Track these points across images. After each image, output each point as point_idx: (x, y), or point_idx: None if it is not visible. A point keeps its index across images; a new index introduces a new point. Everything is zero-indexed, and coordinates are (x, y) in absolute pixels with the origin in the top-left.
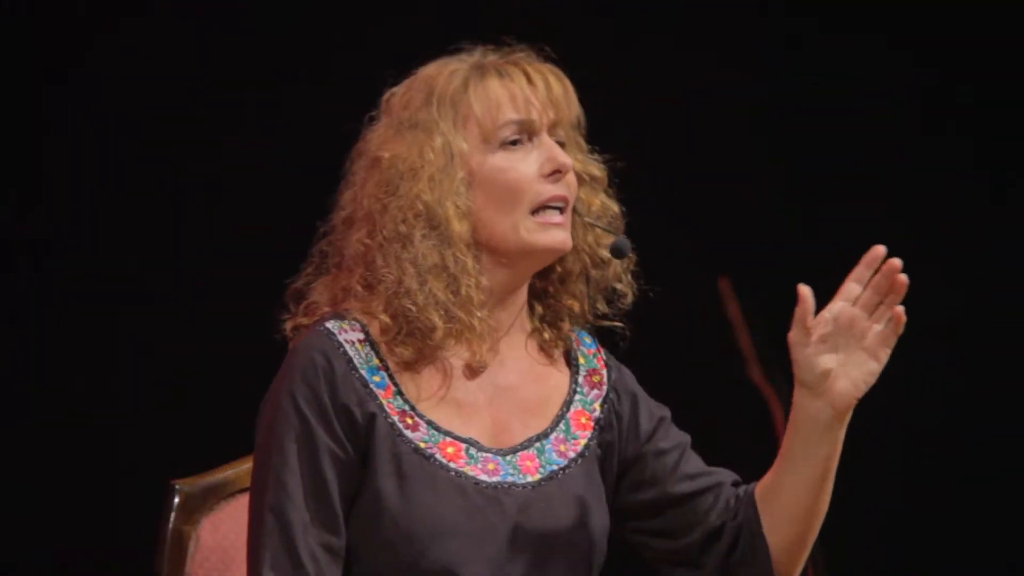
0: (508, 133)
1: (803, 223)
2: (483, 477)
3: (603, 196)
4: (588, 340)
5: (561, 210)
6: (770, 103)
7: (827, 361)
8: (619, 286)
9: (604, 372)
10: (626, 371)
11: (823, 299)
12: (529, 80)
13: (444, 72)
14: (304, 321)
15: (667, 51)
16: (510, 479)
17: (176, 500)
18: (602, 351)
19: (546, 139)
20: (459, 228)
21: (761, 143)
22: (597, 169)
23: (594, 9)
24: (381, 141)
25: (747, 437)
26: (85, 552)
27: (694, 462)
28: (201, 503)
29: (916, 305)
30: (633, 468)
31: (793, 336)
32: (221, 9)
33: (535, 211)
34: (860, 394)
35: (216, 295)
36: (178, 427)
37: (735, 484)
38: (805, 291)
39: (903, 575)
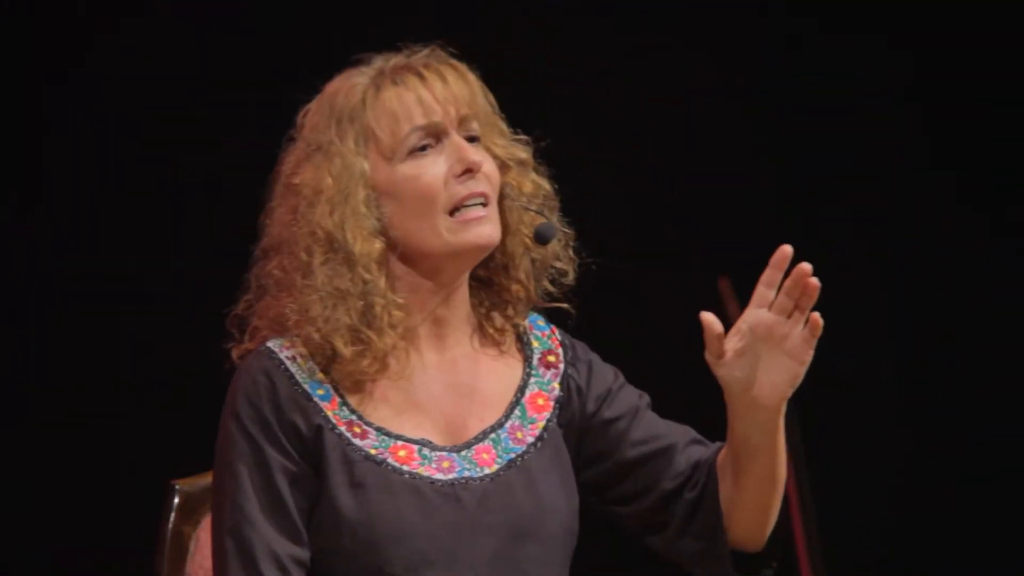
0: (413, 141)
1: (803, 223)
2: (438, 476)
3: (534, 176)
4: (541, 323)
5: (483, 204)
6: (770, 103)
7: (748, 371)
8: (559, 264)
9: (560, 351)
10: (580, 344)
11: (823, 299)
12: (427, 82)
13: (343, 89)
14: (249, 346)
15: (666, 52)
16: (466, 474)
17: (176, 500)
18: (556, 331)
19: (455, 138)
20: (363, 249)
21: (761, 143)
22: (522, 151)
23: (594, 9)
24: (293, 165)
25: None
26: (85, 552)
27: (645, 425)
28: (201, 503)
29: (917, 304)
30: (587, 440)
31: (708, 357)
32: (221, 9)
33: (453, 211)
34: (787, 395)
35: (216, 295)
36: (178, 427)
37: (696, 442)
38: (708, 318)
39: (903, 575)
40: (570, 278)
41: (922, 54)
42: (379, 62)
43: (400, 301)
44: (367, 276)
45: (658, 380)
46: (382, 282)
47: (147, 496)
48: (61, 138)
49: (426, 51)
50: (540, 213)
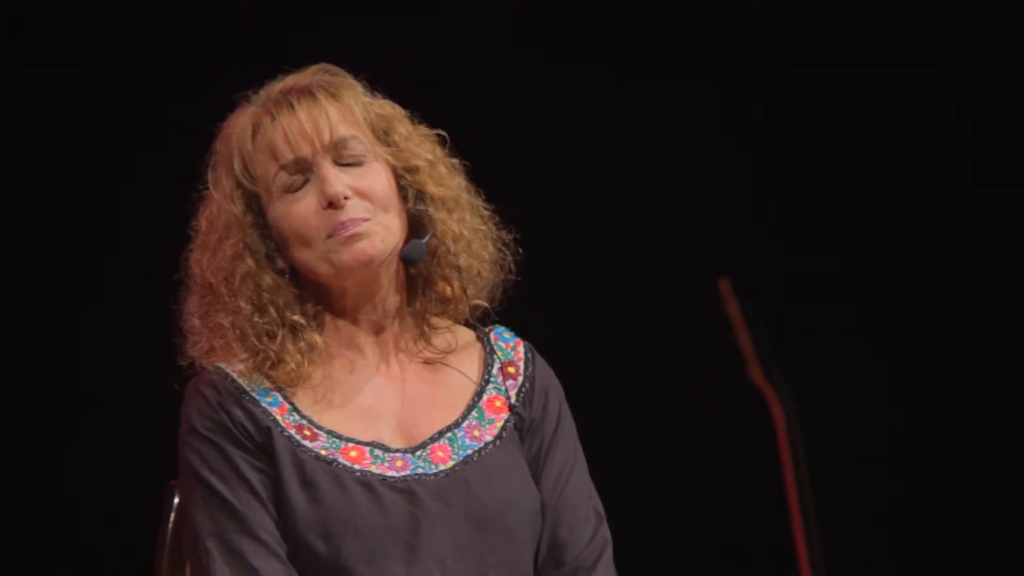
0: (283, 180)
1: (803, 223)
2: (391, 473)
3: (440, 173)
4: (507, 335)
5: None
6: (770, 103)
7: None
8: (462, 261)
9: (521, 364)
10: (547, 373)
11: (819, 300)
12: (292, 114)
13: (225, 134)
14: (202, 365)
15: (666, 52)
16: (420, 471)
17: (176, 500)
18: (522, 345)
19: (322, 169)
20: (238, 287)
21: (761, 144)
22: (425, 152)
23: (595, 10)
24: (200, 207)
25: (747, 437)
26: (85, 552)
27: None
28: None
29: (916, 304)
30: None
31: None
32: (222, 9)
33: (330, 236)
34: None
35: None
36: (178, 427)
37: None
38: None
39: (903, 575)
40: (486, 275)
41: (918, 57)
42: (262, 95)
43: (298, 319)
44: (245, 307)
45: (658, 380)
46: (271, 308)
47: (147, 496)
48: (60, 132)
49: (309, 71)
50: (430, 220)
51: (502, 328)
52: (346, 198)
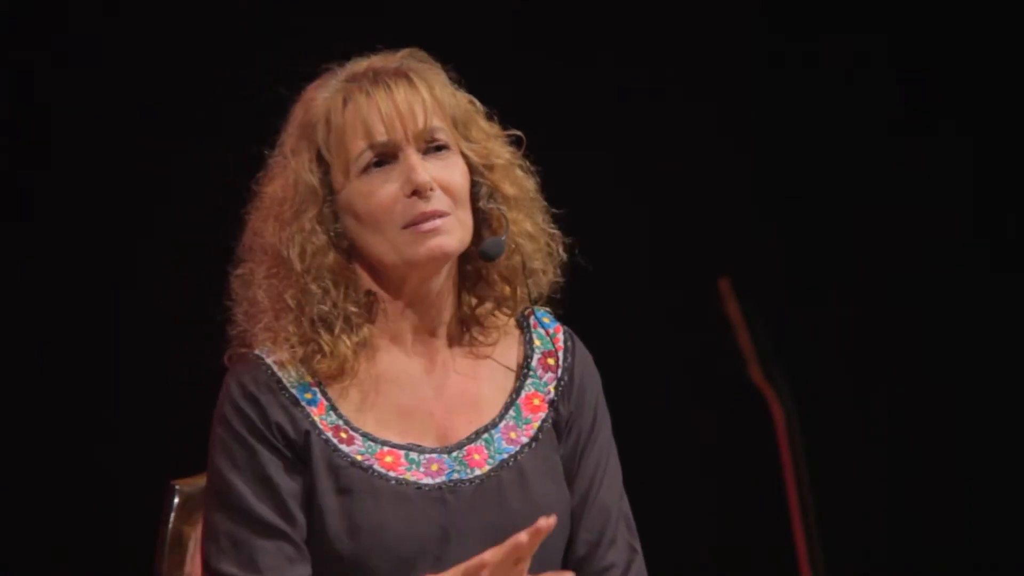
0: (365, 160)
1: (803, 223)
2: (426, 480)
3: (516, 174)
4: (547, 320)
5: (440, 216)
6: (771, 103)
7: None
8: (535, 264)
9: (560, 354)
10: (586, 362)
11: (819, 300)
12: (386, 96)
13: (309, 101)
14: (236, 350)
15: (665, 52)
16: (456, 476)
17: (176, 500)
18: (562, 332)
19: (410, 155)
20: (309, 265)
21: (763, 144)
22: (505, 151)
23: (593, 8)
24: (267, 173)
25: (747, 437)
26: (85, 552)
27: (589, 511)
28: (201, 503)
29: (917, 304)
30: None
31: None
32: (222, 8)
33: (408, 225)
34: None
35: (217, 295)
36: (178, 427)
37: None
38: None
39: (903, 575)
40: (550, 277)
41: (912, 58)
42: (349, 68)
43: (355, 309)
44: (312, 287)
45: (658, 380)
46: (334, 291)
47: (147, 496)
48: (62, 130)
49: (399, 54)
50: (505, 219)
51: (543, 311)
52: (431, 189)
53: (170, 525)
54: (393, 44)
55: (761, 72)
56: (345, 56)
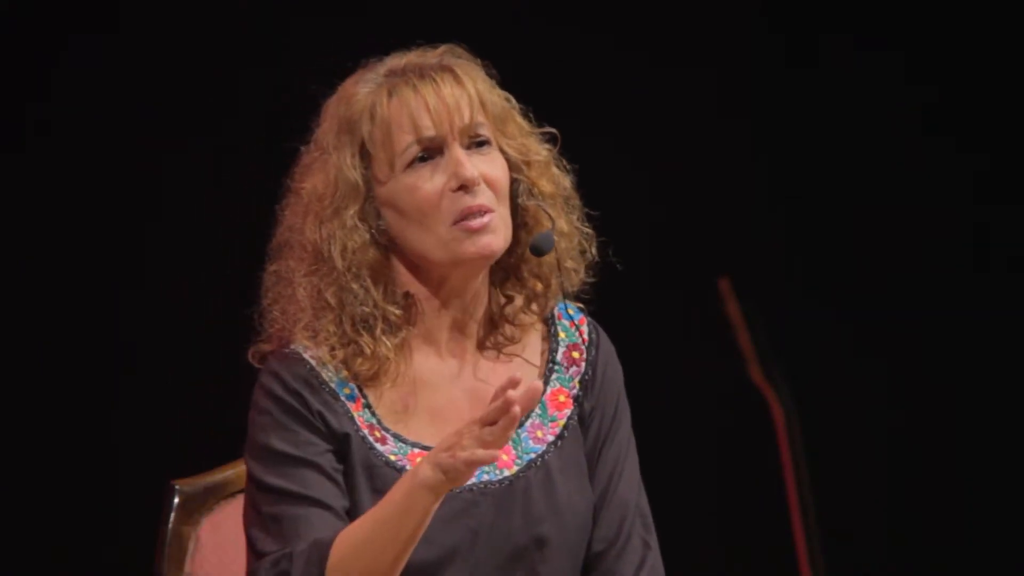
0: (411, 154)
1: (803, 223)
2: None
3: (553, 172)
4: (572, 311)
5: (485, 213)
6: (771, 103)
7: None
8: (569, 264)
9: (584, 348)
10: (609, 354)
11: (819, 300)
12: (430, 90)
13: (349, 96)
14: (265, 347)
15: (665, 52)
16: (485, 478)
17: (176, 500)
18: (586, 324)
19: (455, 151)
20: (351, 262)
21: (763, 144)
22: (542, 148)
23: (597, 12)
24: (301, 169)
25: (747, 437)
26: (85, 552)
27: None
28: (201, 503)
29: (917, 304)
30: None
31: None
32: (222, 8)
33: (455, 222)
34: None
35: (218, 294)
36: (178, 427)
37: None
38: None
39: (903, 575)
40: (580, 276)
41: (918, 63)
42: (389, 63)
43: (396, 311)
44: (354, 287)
45: (658, 380)
46: (375, 291)
47: (147, 496)
48: (58, 135)
49: (439, 50)
50: (547, 213)
51: (567, 303)
52: (477, 184)
53: (170, 525)
54: (394, 44)
55: (761, 72)
56: (344, 56)
